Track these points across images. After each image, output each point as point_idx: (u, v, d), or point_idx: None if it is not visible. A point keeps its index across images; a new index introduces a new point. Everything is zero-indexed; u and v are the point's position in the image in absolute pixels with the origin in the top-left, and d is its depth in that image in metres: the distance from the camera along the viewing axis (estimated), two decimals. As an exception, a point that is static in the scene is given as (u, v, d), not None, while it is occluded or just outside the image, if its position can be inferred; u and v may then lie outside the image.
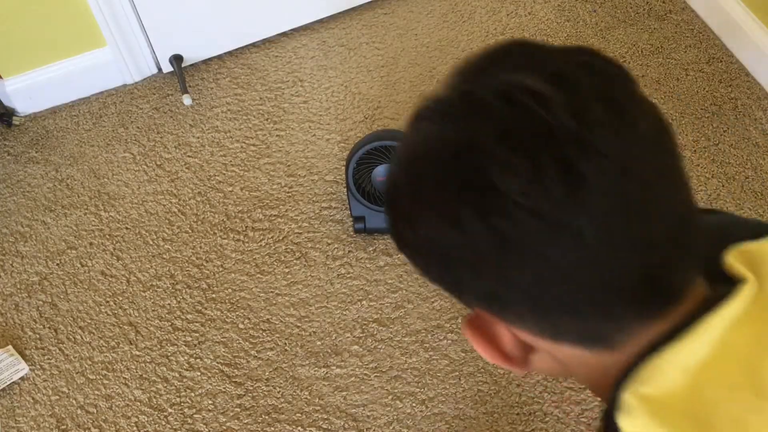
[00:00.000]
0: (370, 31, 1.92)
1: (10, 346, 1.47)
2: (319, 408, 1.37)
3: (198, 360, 1.44)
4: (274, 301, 1.50)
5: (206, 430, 1.36)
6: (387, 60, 1.86)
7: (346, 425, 1.35)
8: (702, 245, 0.51)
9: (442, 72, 1.82)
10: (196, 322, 1.49)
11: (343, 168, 1.66)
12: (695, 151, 1.62)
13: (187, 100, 1.79)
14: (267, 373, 1.41)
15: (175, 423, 1.37)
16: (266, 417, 1.37)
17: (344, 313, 1.47)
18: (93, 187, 1.69)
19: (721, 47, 1.79)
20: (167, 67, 1.86)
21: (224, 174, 1.69)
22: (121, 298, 1.53)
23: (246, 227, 1.60)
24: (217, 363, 1.43)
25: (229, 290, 1.52)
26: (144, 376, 1.43)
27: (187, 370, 1.43)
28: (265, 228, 1.60)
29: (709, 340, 0.48)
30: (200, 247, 1.58)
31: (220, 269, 1.55)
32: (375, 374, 1.40)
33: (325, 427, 1.35)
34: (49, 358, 1.46)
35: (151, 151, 1.74)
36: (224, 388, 1.41)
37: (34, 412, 1.40)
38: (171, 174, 1.70)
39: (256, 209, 1.62)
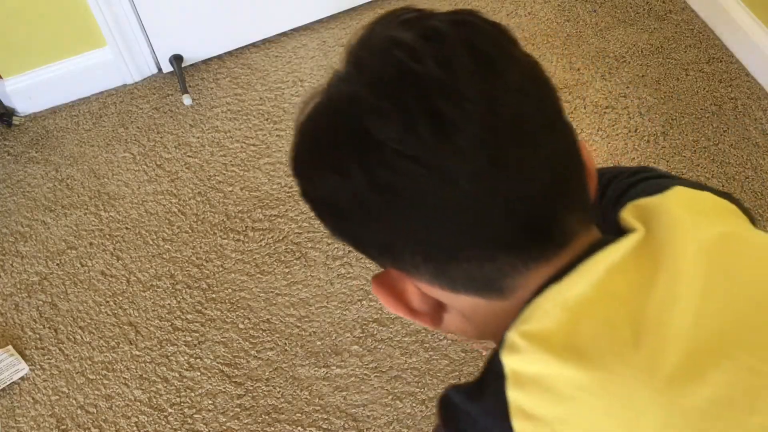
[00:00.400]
0: (370, 31, 1.92)
1: (10, 346, 1.47)
2: (319, 408, 1.37)
3: (198, 360, 1.44)
4: (274, 301, 1.50)
5: (206, 430, 1.36)
6: (387, 60, 1.86)
7: (346, 425, 1.35)
8: (588, 194, 0.54)
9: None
10: (196, 322, 1.49)
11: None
12: (695, 151, 1.62)
13: (187, 100, 1.79)
14: (267, 373, 1.42)
15: (175, 423, 1.37)
16: (266, 417, 1.37)
17: (344, 313, 1.47)
18: (93, 187, 1.69)
19: (721, 47, 1.79)
20: (167, 67, 1.86)
21: (224, 174, 1.69)
22: (121, 298, 1.53)
23: (246, 227, 1.60)
24: (217, 363, 1.43)
25: (229, 290, 1.52)
26: (144, 376, 1.43)
27: (187, 370, 1.43)
28: (265, 228, 1.60)
29: (589, 281, 0.50)
30: (200, 247, 1.58)
31: (220, 269, 1.55)
32: (375, 374, 1.40)
33: (325, 427, 1.35)
34: (49, 358, 1.46)
35: (151, 151, 1.74)
36: (224, 388, 1.41)
37: (34, 412, 1.40)
38: (171, 174, 1.70)
39: (256, 209, 1.63)
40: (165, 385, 1.42)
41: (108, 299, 1.53)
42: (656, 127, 1.67)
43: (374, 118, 0.48)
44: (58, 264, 1.58)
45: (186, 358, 1.44)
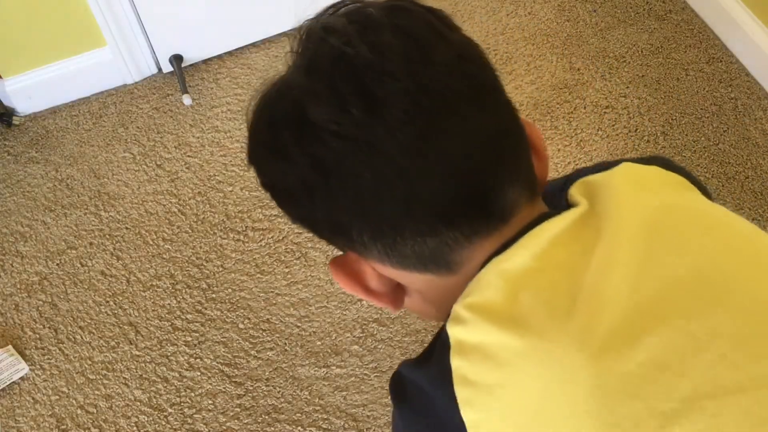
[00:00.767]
0: (370, 31, 1.92)
1: (10, 346, 1.47)
2: (319, 408, 1.37)
3: (198, 360, 1.44)
4: (274, 301, 1.50)
5: (206, 430, 1.36)
6: (387, 60, 1.86)
7: (346, 425, 1.35)
8: (531, 171, 0.56)
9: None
10: (196, 322, 1.49)
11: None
12: (695, 151, 1.62)
13: (187, 100, 1.79)
14: (267, 373, 1.42)
15: (175, 423, 1.37)
16: (266, 417, 1.37)
17: (344, 313, 1.47)
18: (93, 187, 1.69)
19: (721, 47, 1.79)
20: (167, 67, 1.86)
21: (224, 174, 1.69)
22: (121, 298, 1.53)
23: (246, 227, 1.60)
24: (217, 363, 1.43)
25: (229, 290, 1.52)
26: (144, 376, 1.43)
27: (187, 370, 1.43)
28: (265, 228, 1.60)
29: (531, 252, 0.51)
30: (200, 247, 1.58)
31: (220, 269, 1.55)
32: (375, 374, 1.40)
33: (325, 427, 1.35)
34: (49, 358, 1.46)
35: (151, 151, 1.74)
36: (224, 388, 1.41)
37: (34, 412, 1.40)
38: (171, 174, 1.70)
39: (256, 209, 1.63)
40: (165, 385, 1.42)
41: (108, 299, 1.53)
42: (656, 127, 1.67)
43: (309, 101, 0.50)
44: (58, 264, 1.58)
45: (186, 358, 1.44)
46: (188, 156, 1.72)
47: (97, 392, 1.42)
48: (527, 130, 0.56)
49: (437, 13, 0.54)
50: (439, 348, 0.52)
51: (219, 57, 1.90)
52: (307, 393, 1.39)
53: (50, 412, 1.40)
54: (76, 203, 1.67)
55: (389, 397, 0.57)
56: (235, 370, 1.42)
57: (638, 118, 1.68)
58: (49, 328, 1.50)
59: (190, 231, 1.61)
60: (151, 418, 1.38)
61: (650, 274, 0.49)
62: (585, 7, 1.91)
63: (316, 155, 0.50)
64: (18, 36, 1.70)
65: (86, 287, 1.55)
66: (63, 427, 1.39)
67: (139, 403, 1.40)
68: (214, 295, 1.52)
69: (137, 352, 1.46)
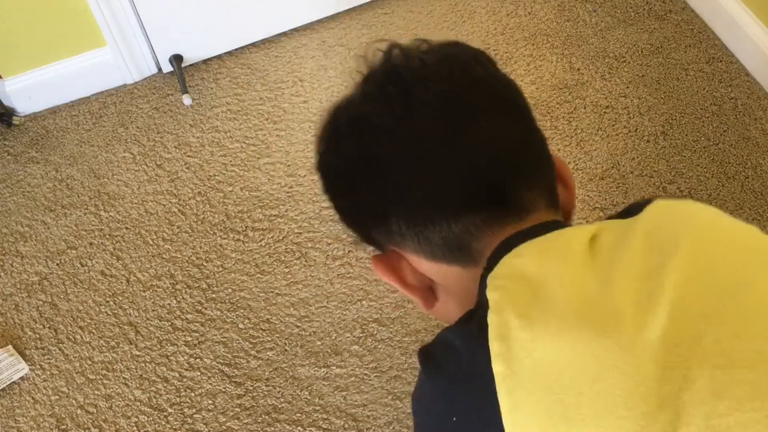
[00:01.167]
0: (370, 31, 1.92)
1: (10, 346, 1.47)
2: (319, 408, 1.37)
3: (198, 360, 1.44)
4: (274, 301, 1.50)
5: (206, 430, 1.36)
6: (387, 60, 1.86)
7: (346, 425, 1.35)
8: (553, 185, 0.63)
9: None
10: (196, 322, 1.49)
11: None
12: (695, 150, 1.62)
13: (187, 100, 1.79)
14: (267, 373, 1.42)
15: (175, 423, 1.37)
16: (266, 417, 1.37)
17: (344, 313, 1.47)
18: (93, 187, 1.69)
19: (721, 47, 1.79)
20: (167, 67, 1.86)
21: (224, 174, 1.69)
22: (121, 298, 1.53)
23: (246, 227, 1.60)
24: (217, 363, 1.43)
25: (229, 290, 1.52)
26: (144, 376, 1.43)
27: (187, 370, 1.43)
28: (265, 228, 1.60)
29: (560, 232, 0.56)
30: (200, 247, 1.58)
31: (220, 269, 1.55)
32: (375, 374, 1.40)
33: (325, 427, 1.35)
34: (49, 358, 1.46)
35: (151, 151, 1.74)
36: (224, 388, 1.41)
37: (34, 412, 1.40)
38: (171, 174, 1.70)
39: (256, 209, 1.63)
40: (165, 385, 1.42)
41: (108, 299, 1.53)
42: (656, 127, 1.67)
43: (361, 101, 0.61)
44: (58, 264, 1.58)
45: (186, 358, 1.44)
46: (188, 156, 1.72)
47: (97, 392, 1.42)
48: (557, 164, 0.65)
49: (483, 52, 0.64)
50: (478, 313, 0.54)
51: (219, 57, 1.90)
52: (307, 393, 1.39)
53: (50, 412, 1.40)
54: (76, 203, 1.67)
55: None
56: (235, 370, 1.42)
57: (638, 118, 1.68)
58: (49, 328, 1.50)
59: (190, 231, 1.61)
60: (151, 418, 1.38)
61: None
62: (585, 7, 1.91)
63: (362, 144, 0.60)
64: (18, 36, 1.70)
65: (86, 287, 1.55)
66: (63, 427, 1.39)
67: (139, 403, 1.40)
68: (214, 295, 1.52)
69: (137, 352, 1.46)
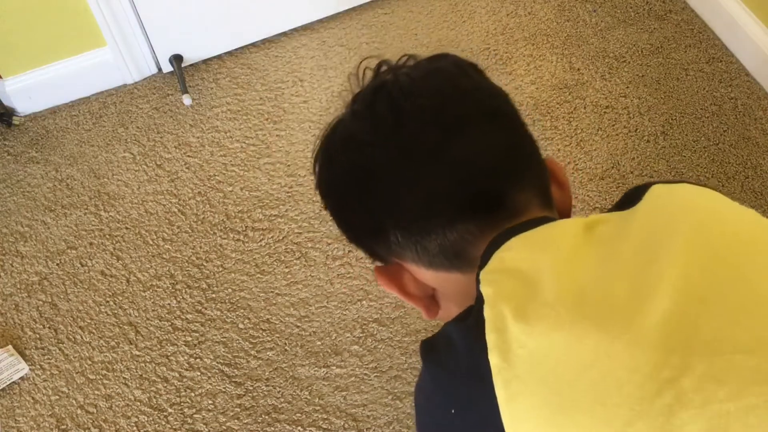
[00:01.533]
0: (370, 31, 1.92)
1: (10, 346, 1.47)
2: (319, 408, 1.37)
3: (198, 360, 1.44)
4: (274, 301, 1.50)
5: (206, 430, 1.36)
6: (387, 60, 1.86)
7: (346, 425, 1.35)
8: (546, 187, 0.64)
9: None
10: (196, 322, 1.49)
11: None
12: (695, 150, 1.62)
13: (187, 100, 1.79)
14: (267, 373, 1.42)
15: (175, 423, 1.37)
16: (266, 417, 1.37)
17: (344, 313, 1.47)
18: (93, 187, 1.69)
19: (721, 47, 1.79)
20: (167, 67, 1.86)
21: (224, 174, 1.69)
22: (121, 298, 1.53)
23: (246, 227, 1.60)
24: (217, 363, 1.43)
25: (229, 290, 1.52)
26: (144, 376, 1.43)
27: (187, 370, 1.43)
28: (265, 228, 1.60)
29: (554, 224, 0.57)
30: (200, 247, 1.58)
31: (220, 269, 1.55)
32: (375, 374, 1.40)
33: (325, 427, 1.35)
34: (49, 358, 1.46)
35: (151, 151, 1.74)
36: (224, 388, 1.41)
37: (34, 412, 1.40)
38: (171, 174, 1.70)
39: (256, 209, 1.63)
40: (165, 385, 1.42)
41: (108, 299, 1.53)
42: (656, 127, 1.67)
43: (351, 119, 0.63)
44: (58, 264, 1.58)
45: (186, 358, 1.44)
46: (188, 156, 1.72)
47: (97, 392, 1.42)
48: (550, 165, 0.66)
49: (471, 63, 0.65)
50: (476, 306, 0.55)
51: (219, 57, 1.90)
52: (307, 393, 1.39)
53: (50, 412, 1.40)
54: (76, 203, 1.67)
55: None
56: (235, 370, 1.42)
57: (638, 118, 1.68)
58: (49, 328, 1.50)
59: (190, 231, 1.61)
60: (151, 418, 1.38)
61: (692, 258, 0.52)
62: (585, 7, 1.91)
63: (354, 161, 0.62)
64: (18, 36, 1.70)
65: (86, 287, 1.55)
66: (63, 427, 1.39)
67: (139, 403, 1.40)
68: (214, 295, 1.52)
69: (137, 352, 1.46)
